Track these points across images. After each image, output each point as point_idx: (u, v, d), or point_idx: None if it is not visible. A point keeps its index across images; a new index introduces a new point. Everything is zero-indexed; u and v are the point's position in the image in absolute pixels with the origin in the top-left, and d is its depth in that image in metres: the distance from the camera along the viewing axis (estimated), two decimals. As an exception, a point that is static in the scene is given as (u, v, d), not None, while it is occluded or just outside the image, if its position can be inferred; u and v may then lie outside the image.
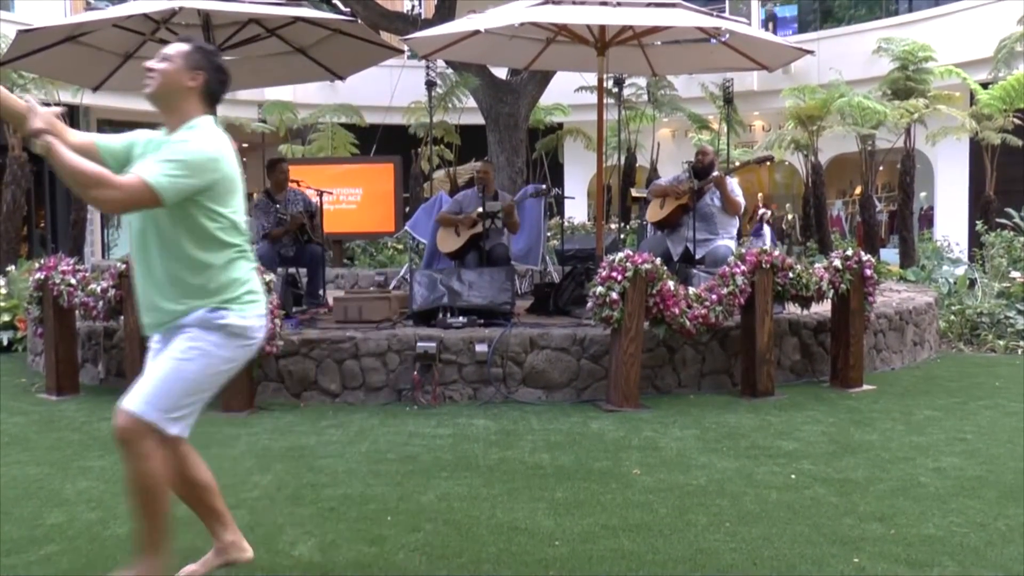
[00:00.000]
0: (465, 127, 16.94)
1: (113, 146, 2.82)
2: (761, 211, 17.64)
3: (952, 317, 8.97)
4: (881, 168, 16.56)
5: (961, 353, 8.32)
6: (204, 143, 2.70)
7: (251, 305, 2.84)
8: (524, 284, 9.17)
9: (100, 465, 4.48)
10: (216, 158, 2.69)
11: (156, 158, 2.63)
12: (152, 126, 2.92)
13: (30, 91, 13.25)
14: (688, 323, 5.77)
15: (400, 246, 13.82)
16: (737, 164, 10.64)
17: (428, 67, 9.42)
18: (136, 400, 2.69)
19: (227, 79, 2.91)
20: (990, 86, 14.14)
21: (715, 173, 7.41)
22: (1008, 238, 11.32)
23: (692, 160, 7.53)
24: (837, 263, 6.31)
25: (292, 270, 7.97)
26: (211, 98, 2.86)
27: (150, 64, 2.79)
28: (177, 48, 2.81)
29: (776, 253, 6.14)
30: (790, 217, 21.97)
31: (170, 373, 2.72)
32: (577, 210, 20.71)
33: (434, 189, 13.32)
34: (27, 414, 5.80)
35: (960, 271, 11.25)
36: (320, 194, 8.02)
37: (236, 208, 2.79)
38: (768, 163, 8.43)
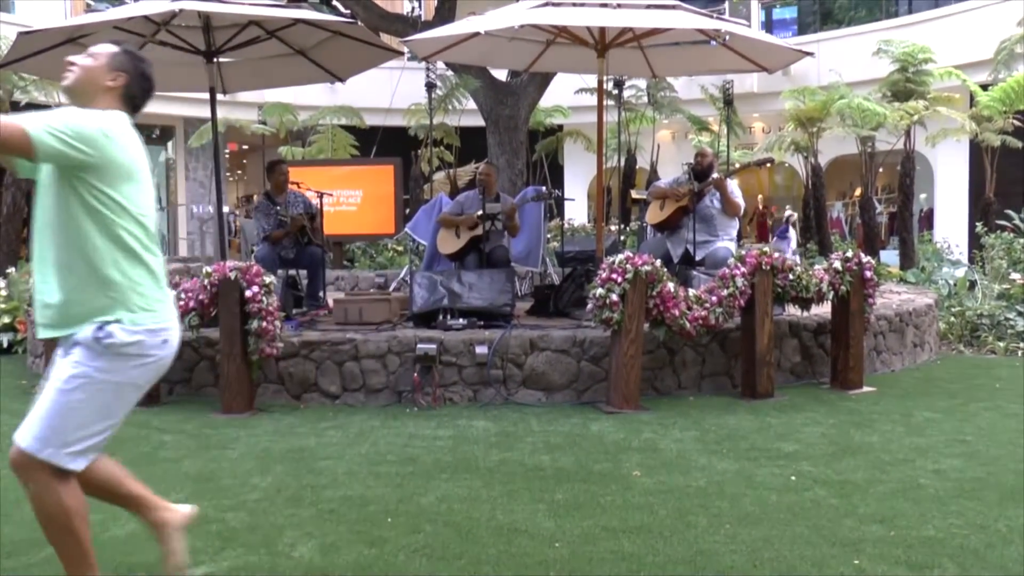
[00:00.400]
0: (465, 129, 16.96)
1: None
2: (788, 213, 17.49)
3: (952, 319, 8.97)
4: (881, 170, 16.57)
5: (961, 355, 8.32)
6: (99, 120, 2.57)
7: (144, 314, 2.62)
8: (524, 286, 9.17)
9: (100, 467, 4.47)
10: (106, 136, 2.54)
11: (46, 114, 2.51)
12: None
13: (30, 92, 13.28)
14: (688, 325, 5.77)
15: (400, 248, 13.83)
16: (737, 166, 10.65)
17: (428, 69, 9.42)
18: (26, 435, 2.55)
19: (151, 88, 2.82)
20: (990, 88, 14.15)
21: (714, 175, 7.41)
22: (1008, 240, 11.33)
23: (692, 162, 7.54)
24: (837, 265, 6.32)
25: (292, 272, 7.97)
26: (130, 102, 2.76)
27: (72, 59, 2.73)
28: (105, 48, 2.77)
29: (789, 256, 6.13)
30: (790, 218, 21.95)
31: (57, 406, 2.55)
32: (577, 212, 20.73)
33: (434, 191, 13.33)
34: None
35: (960, 273, 11.26)
36: (320, 196, 8.02)
37: (131, 197, 2.61)
38: (768, 165, 8.44)
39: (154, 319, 2.65)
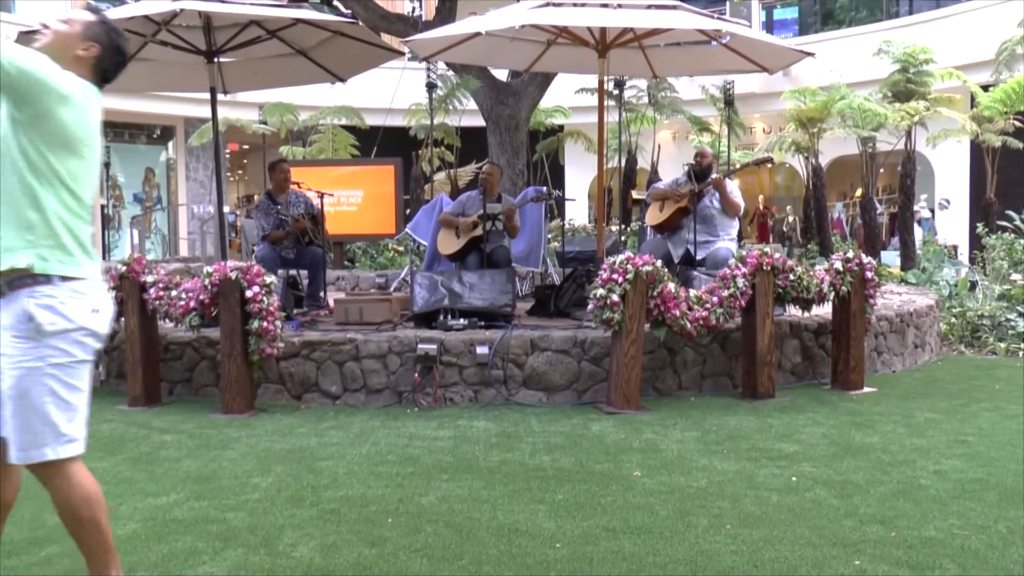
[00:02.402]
0: (466, 129, 16.96)
1: None
2: (919, 207, 16.82)
3: (953, 319, 8.97)
4: (882, 170, 16.57)
5: (962, 355, 8.32)
6: (64, 79, 2.54)
7: (63, 267, 2.56)
8: (525, 286, 9.17)
9: (100, 467, 4.47)
10: (61, 97, 2.51)
11: (14, 46, 2.46)
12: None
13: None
14: (689, 325, 5.77)
15: (401, 248, 13.83)
16: (737, 166, 10.65)
17: (429, 69, 9.42)
18: (19, 452, 2.54)
19: (123, 62, 2.79)
20: (991, 88, 14.16)
21: (714, 175, 7.41)
22: (1009, 240, 11.33)
23: (692, 162, 7.54)
24: (838, 265, 6.31)
25: (293, 272, 7.98)
26: (101, 75, 2.73)
27: (46, 21, 2.67)
28: (81, 15, 2.71)
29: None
30: (791, 219, 21.97)
31: (20, 411, 2.52)
32: (578, 212, 20.76)
33: (435, 191, 13.34)
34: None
35: (961, 273, 11.25)
36: (321, 196, 8.02)
37: (68, 167, 2.56)
38: (768, 165, 8.43)
39: (77, 293, 2.59)
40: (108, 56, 2.72)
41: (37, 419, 2.53)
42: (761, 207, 22.58)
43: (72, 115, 2.57)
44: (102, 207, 17.41)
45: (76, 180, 2.61)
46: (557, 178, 20.59)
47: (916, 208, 18.06)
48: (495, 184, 7.90)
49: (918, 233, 16.87)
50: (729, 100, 13.70)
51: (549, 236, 10.46)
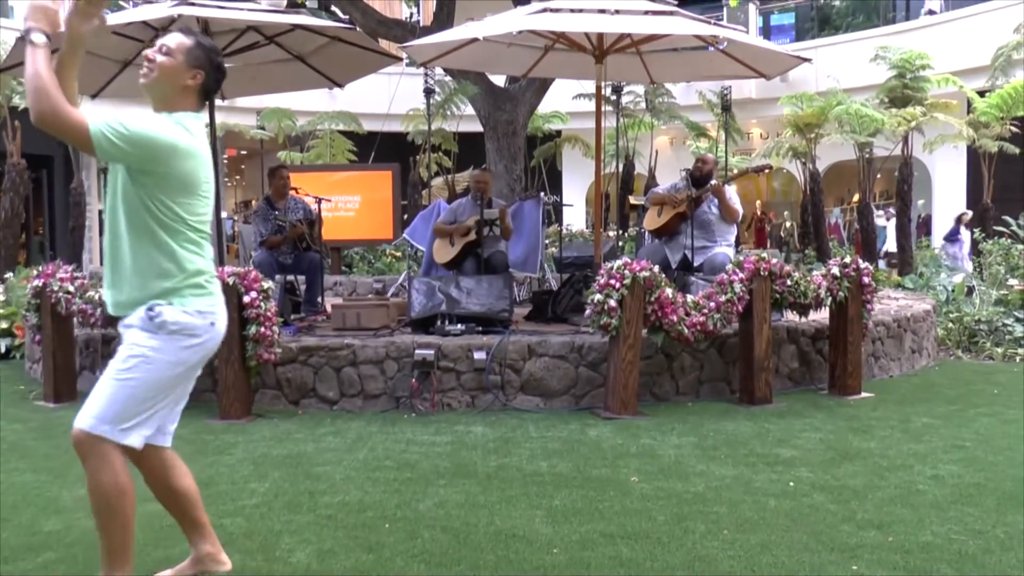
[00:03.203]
0: (463, 134, 17.00)
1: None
2: (963, 212, 17.11)
3: (950, 324, 8.98)
4: (879, 176, 16.60)
5: (959, 360, 8.33)
6: (167, 129, 2.63)
7: (195, 299, 2.75)
8: (522, 291, 9.18)
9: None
10: (174, 150, 2.62)
11: (111, 114, 2.56)
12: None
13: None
14: (686, 330, 5.77)
15: (398, 253, 13.84)
16: (735, 172, 10.67)
17: (426, 74, 9.45)
18: (85, 414, 2.68)
19: (223, 78, 2.89)
20: (987, 94, 14.19)
21: (713, 181, 7.42)
22: (1006, 246, 11.34)
23: (690, 167, 7.54)
24: (835, 270, 6.32)
25: (290, 277, 7.97)
26: (205, 96, 2.84)
27: (150, 54, 2.73)
28: (179, 41, 2.75)
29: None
30: (788, 225, 22.01)
31: (114, 385, 2.68)
32: (575, 218, 20.77)
33: (432, 196, 13.36)
34: (25, 421, 5.79)
35: (958, 279, 11.27)
36: (319, 201, 8.02)
37: (189, 208, 2.72)
38: (766, 171, 8.45)
39: (202, 304, 2.78)
40: (211, 78, 2.81)
41: (126, 398, 2.70)
42: (759, 212, 22.62)
43: (192, 163, 2.68)
44: (100, 212, 17.39)
45: (200, 218, 2.77)
46: (555, 183, 20.62)
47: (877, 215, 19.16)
48: (488, 190, 7.92)
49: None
50: (726, 106, 13.74)
51: (547, 241, 10.46)
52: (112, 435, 2.67)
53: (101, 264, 2.92)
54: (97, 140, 2.51)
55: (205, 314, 2.78)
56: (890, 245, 18.41)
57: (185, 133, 2.68)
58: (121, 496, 2.71)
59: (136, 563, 3.22)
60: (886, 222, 19.44)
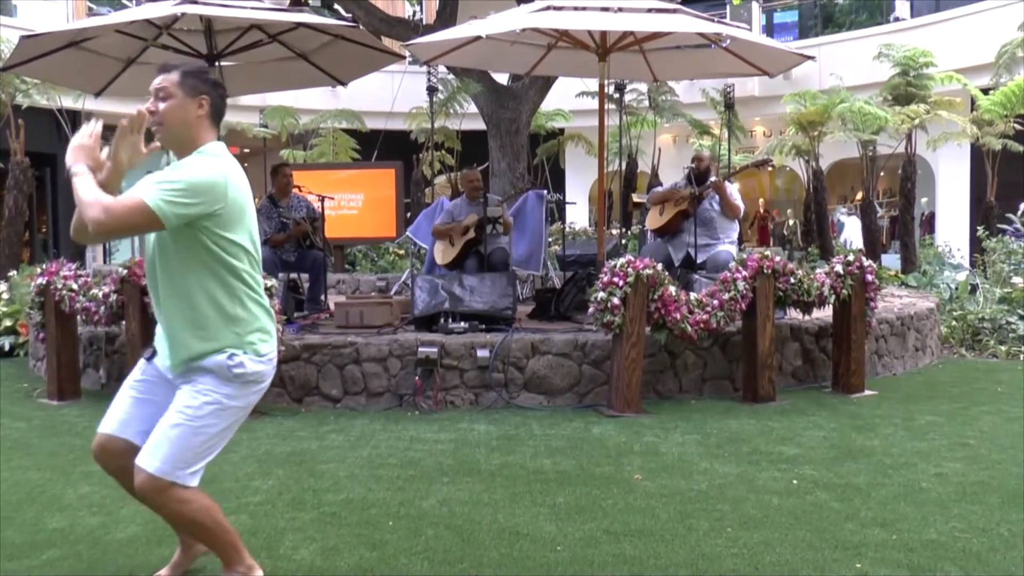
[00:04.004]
0: (466, 132, 16.97)
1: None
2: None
3: (954, 323, 8.97)
4: (882, 174, 16.58)
5: (963, 358, 8.32)
6: (208, 167, 2.61)
7: (264, 345, 2.77)
8: (525, 289, 9.17)
9: (101, 470, 4.47)
10: (221, 183, 2.60)
11: (155, 179, 2.54)
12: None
13: (32, 96, 13.30)
14: (689, 328, 5.77)
15: (401, 251, 13.84)
16: (737, 168, 10.65)
17: (429, 72, 9.43)
18: (153, 460, 2.64)
19: (226, 92, 2.85)
20: (991, 92, 14.16)
21: (713, 177, 7.41)
22: (1009, 243, 11.32)
23: (691, 165, 7.54)
24: (838, 268, 6.31)
25: (294, 275, 7.98)
26: (218, 119, 2.79)
27: (151, 108, 2.67)
28: (169, 80, 2.69)
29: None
30: (791, 223, 21.97)
31: (185, 433, 2.66)
32: (578, 216, 20.75)
33: (435, 194, 13.35)
34: (29, 419, 5.80)
35: (961, 276, 11.25)
36: (322, 199, 8.02)
37: (245, 235, 2.70)
38: (768, 166, 8.43)
39: (270, 350, 2.80)
40: (216, 98, 2.76)
41: (200, 444, 2.71)
42: (761, 210, 22.58)
43: (234, 192, 2.64)
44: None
45: (255, 242, 2.75)
46: (558, 181, 20.59)
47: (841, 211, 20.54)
48: (481, 187, 7.95)
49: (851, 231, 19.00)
50: (729, 103, 13.71)
51: (550, 239, 10.46)
52: (183, 480, 2.68)
53: (104, 263, 2.92)
54: (160, 209, 2.49)
55: (271, 359, 2.81)
56: (854, 240, 19.14)
57: (223, 162, 2.66)
58: (207, 514, 2.76)
59: (139, 560, 3.24)
60: (846, 218, 20.10)
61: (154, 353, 2.84)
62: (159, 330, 2.81)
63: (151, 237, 2.70)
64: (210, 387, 2.68)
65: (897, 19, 19.97)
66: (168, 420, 2.68)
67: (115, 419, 2.83)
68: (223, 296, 2.68)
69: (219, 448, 2.79)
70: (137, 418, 2.81)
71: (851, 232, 20.19)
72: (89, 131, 2.62)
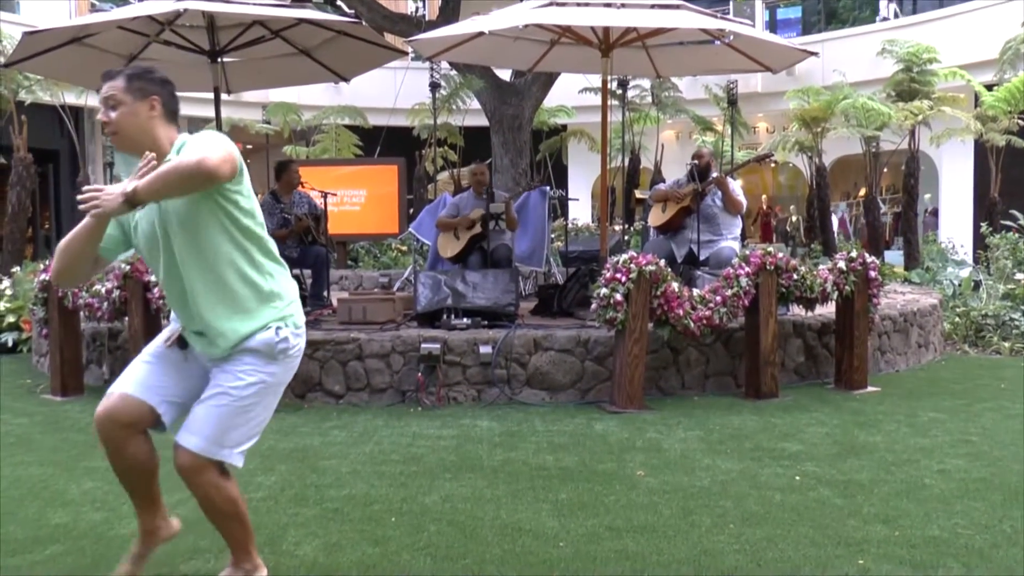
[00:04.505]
0: (469, 129, 16.97)
1: (108, 239, 2.69)
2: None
3: (957, 319, 8.96)
4: (885, 170, 16.55)
5: (966, 355, 8.31)
6: (211, 134, 2.57)
7: (299, 315, 2.76)
8: (528, 286, 9.17)
9: (105, 465, 4.44)
10: (230, 143, 2.55)
11: (193, 145, 2.50)
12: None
13: (35, 92, 13.30)
14: (692, 325, 5.77)
15: (404, 247, 13.85)
16: (738, 164, 10.64)
17: (432, 69, 9.43)
18: (195, 438, 2.62)
19: (175, 89, 2.74)
20: (995, 88, 14.13)
21: (715, 173, 7.41)
22: (1013, 240, 11.30)
23: (693, 162, 7.54)
24: (841, 265, 6.31)
25: (296, 271, 7.97)
26: (172, 115, 2.70)
27: (103, 118, 2.63)
28: (116, 87, 2.61)
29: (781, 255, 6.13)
30: (794, 219, 21.96)
31: (230, 412, 2.64)
32: (581, 212, 20.74)
33: (438, 191, 13.34)
34: (32, 415, 5.81)
35: (965, 273, 11.23)
36: (324, 196, 8.01)
37: (255, 202, 2.69)
38: (770, 161, 8.43)
39: (303, 318, 2.79)
40: (167, 96, 2.68)
41: (246, 424, 2.71)
42: (764, 207, 22.56)
43: (239, 154, 2.59)
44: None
45: (256, 206, 2.71)
46: (560, 178, 20.58)
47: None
48: (487, 182, 7.94)
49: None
50: (732, 100, 13.70)
51: (552, 236, 10.46)
52: (230, 459, 2.68)
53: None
54: (220, 164, 2.42)
55: (304, 331, 2.80)
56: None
57: (207, 132, 2.62)
58: (235, 505, 2.75)
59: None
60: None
61: (184, 345, 2.78)
62: (180, 325, 2.75)
63: (162, 242, 2.63)
64: (254, 367, 2.67)
65: (885, 19, 20.05)
66: (211, 400, 2.66)
67: (135, 380, 2.74)
68: (253, 272, 2.66)
69: (264, 426, 2.76)
70: (163, 386, 2.74)
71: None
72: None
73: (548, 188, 8.89)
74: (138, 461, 2.75)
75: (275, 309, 2.69)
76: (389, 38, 9.53)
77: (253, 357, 2.67)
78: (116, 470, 2.80)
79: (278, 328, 2.68)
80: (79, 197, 2.45)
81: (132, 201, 2.41)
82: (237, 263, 2.64)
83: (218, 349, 2.67)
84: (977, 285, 10.15)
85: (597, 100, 8.23)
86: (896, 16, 19.95)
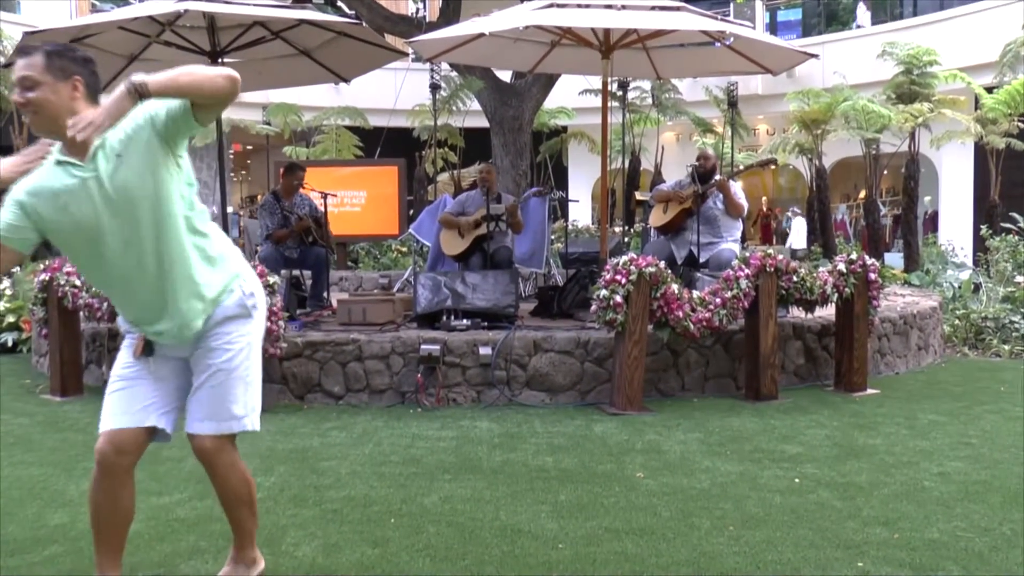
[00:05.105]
0: (469, 130, 16.97)
1: (10, 228, 2.48)
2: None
3: (957, 321, 8.96)
4: (885, 172, 16.56)
5: (966, 357, 8.31)
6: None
7: (245, 264, 2.77)
8: (528, 287, 9.18)
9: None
10: None
11: (169, 105, 2.44)
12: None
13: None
14: (692, 326, 5.77)
15: (404, 249, 13.85)
16: (741, 168, 10.64)
17: (432, 70, 9.43)
18: (212, 423, 2.66)
19: (95, 65, 2.55)
20: (995, 90, 14.14)
21: (717, 176, 7.41)
22: (1013, 242, 11.30)
23: (696, 163, 7.54)
24: (841, 267, 6.31)
25: (296, 272, 7.97)
26: (95, 95, 2.52)
27: (18, 99, 2.44)
28: (34, 65, 2.43)
29: (781, 257, 6.14)
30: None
31: (232, 384, 2.66)
32: (581, 213, 20.75)
33: (438, 192, 13.36)
34: (31, 415, 5.81)
35: (964, 275, 11.24)
36: (324, 197, 8.01)
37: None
38: (772, 166, 8.43)
39: (247, 265, 2.80)
40: (89, 75, 2.51)
41: (252, 386, 2.76)
42: (764, 209, 22.57)
43: None
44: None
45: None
46: (560, 179, 20.60)
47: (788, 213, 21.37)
48: (494, 183, 7.93)
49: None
50: (733, 101, 13.71)
51: (552, 237, 10.46)
52: (250, 426, 2.72)
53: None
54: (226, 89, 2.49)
55: (255, 274, 2.82)
56: (797, 242, 19.41)
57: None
58: (248, 488, 2.81)
59: (140, 557, 3.24)
60: (794, 218, 20.55)
61: (151, 351, 2.70)
62: (134, 320, 2.69)
63: (102, 230, 2.49)
64: (237, 332, 2.69)
65: (859, 27, 20.20)
66: (207, 383, 2.67)
67: (128, 410, 2.66)
68: (203, 240, 2.63)
69: (260, 380, 2.79)
70: (148, 404, 2.68)
71: (796, 235, 19.99)
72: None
73: (550, 188, 8.89)
74: (122, 505, 2.73)
75: (227, 270, 2.69)
76: (389, 39, 9.53)
77: (232, 323, 2.68)
78: (101, 512, 2.72)
79: (240, 285, 2.70)
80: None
81: (141, 92, 2.32)
82: (193, 234, 2.60)
83: (189, 331, 2.63)
84: (977, 288, 10.15)
85: (597, 102, 8.24)
86: (872, 24, 20.10)
